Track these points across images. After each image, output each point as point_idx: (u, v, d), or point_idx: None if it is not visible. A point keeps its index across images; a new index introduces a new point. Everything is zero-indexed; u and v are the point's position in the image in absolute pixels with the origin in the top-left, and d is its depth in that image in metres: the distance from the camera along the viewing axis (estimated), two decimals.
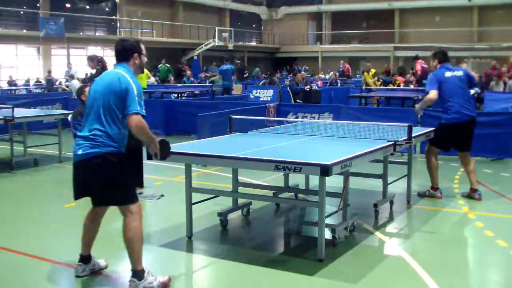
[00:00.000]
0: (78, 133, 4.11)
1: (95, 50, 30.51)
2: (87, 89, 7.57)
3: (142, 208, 4.13)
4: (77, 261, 4.34)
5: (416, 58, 18.54)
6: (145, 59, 4.25)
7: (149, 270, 4.09)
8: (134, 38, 4.41)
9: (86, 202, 6.70)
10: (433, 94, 6.54)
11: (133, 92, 3.91)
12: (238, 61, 25.40)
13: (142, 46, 4.23)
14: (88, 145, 3.95)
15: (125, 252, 4.42)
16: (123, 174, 4.06)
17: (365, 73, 19.67)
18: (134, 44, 4.19)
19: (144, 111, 3.95)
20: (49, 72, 24.09)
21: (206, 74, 23.76)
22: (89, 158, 3.94)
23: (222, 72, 17.21)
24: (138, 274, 4.02)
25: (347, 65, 27.50)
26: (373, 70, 19.71)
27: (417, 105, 7.04)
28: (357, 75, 28.74)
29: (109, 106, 3.94)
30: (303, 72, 20.48)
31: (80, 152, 3.98)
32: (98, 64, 9.98)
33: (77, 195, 4.20)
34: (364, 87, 18.36)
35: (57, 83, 23.55)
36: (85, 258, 4.34)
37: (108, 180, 3.99)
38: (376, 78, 19.70)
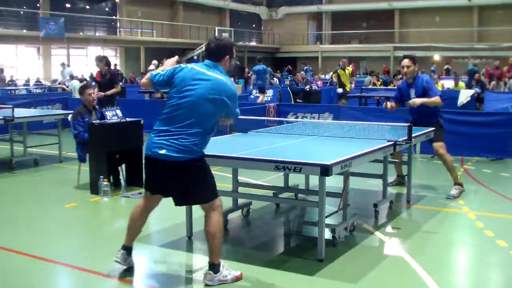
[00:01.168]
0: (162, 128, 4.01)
1: (95, 50, 30.54)
2: (87, 90, 7.60)
3: (222, 203, 4.21)
4: (121, 248, 4.34)
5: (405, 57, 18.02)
6: (233, 63, 4.20)
7: (224, 264, 4.22)
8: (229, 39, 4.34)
9: (85, 203, 6.72)
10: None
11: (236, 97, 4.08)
12: (238, 62, 25.69)
13: (234, 50, 4.18)
14: (176, 148, 3.94)
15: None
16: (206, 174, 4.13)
17: (340, 71, 15.79)
18: (227, 45, 4.13)
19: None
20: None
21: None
22: (180, 161, 3.94)
23: (255, 72, 17.62)
24: (215, 267, 4.14)
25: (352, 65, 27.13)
26: (349, 69, 16.51)
27: (419, 100, 6.91)
28: (357, 75, 28.70)
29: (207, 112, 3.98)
30: (303, 72, 20.44)
31: (167, 152, 3.94)
32: (106, 64, 10.31)
33: (156, 191, 4.22)
34: (339, 89, 15.74)
35: (56, 83, 23.57)
36: (129, 249, 4.37)
37: (194, 181, 4.04)
38: (352, 78, 18.92)
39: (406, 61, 6.92)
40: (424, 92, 6.85)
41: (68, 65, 24.09)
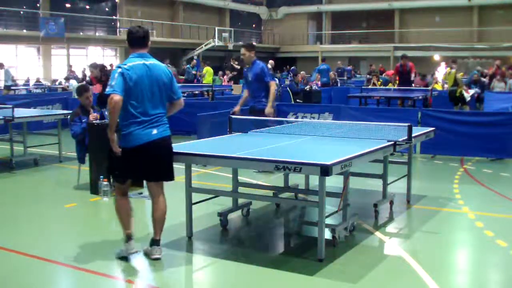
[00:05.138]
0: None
1: (95, 50, 30.53)
2: (86, 93, 7.58)
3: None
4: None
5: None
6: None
7: None
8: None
9: (85, 203, 6.73)
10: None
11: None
12: (239, 63, 25.93)
13: None
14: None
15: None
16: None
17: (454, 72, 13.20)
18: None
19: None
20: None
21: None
22: (164, 137, 4.60)
23: (320, 71, 20.25)
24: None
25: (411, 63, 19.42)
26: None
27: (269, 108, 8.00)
28: (357, 75, 28.69)
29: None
30: (303, 72, 20.48)
31: (156, 132, 4.54)
32: (101, 71, 10.50)
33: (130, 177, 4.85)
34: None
35: (56, 83, 23.54)
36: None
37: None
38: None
39: (242, 50, 8.16)
40: (259, 77, 7.98)
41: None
